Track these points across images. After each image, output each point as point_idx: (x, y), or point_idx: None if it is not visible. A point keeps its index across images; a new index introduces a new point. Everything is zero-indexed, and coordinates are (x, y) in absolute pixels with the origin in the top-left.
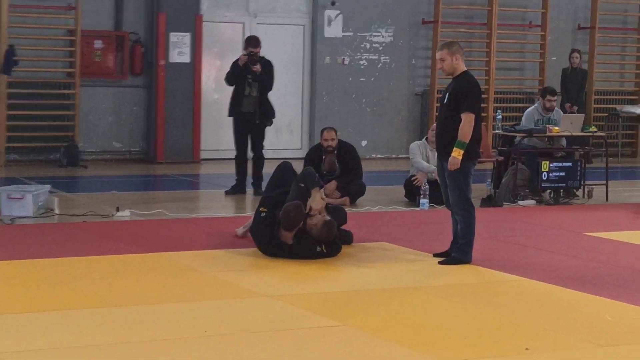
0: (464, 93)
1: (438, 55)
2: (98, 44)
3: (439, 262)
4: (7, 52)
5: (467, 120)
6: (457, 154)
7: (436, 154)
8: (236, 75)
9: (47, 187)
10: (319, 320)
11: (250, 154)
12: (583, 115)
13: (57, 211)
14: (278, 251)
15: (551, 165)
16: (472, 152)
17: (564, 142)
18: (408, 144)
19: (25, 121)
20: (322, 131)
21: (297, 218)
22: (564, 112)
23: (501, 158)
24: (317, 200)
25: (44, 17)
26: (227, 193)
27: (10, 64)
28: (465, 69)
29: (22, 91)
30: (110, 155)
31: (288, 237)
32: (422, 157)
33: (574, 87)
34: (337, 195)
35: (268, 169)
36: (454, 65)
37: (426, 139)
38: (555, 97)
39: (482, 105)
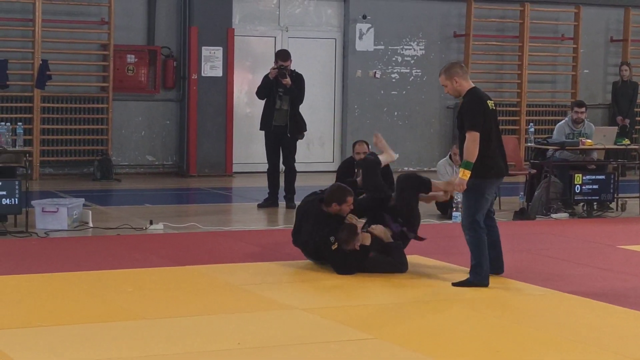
0: (465, 112)
1: (440, 81)
2: (131, 58)
3: (453, 284)
4: (40, 66)
5: (470, 140)
6: (462, 174)
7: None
8: (267, 89)
9: (81, 200)
10: (351, 332)
11: (282, 167)
12: (616, 128)
13: (91, 224)
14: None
15: (584, 178)
16: (484, 170)
17: (594, 155)
18: (439, 157)
19: (59, 135)
20: (354, 144)
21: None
22: (616, 125)
23: (534, 171)
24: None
25: (77, 31)
26: (259, 206)
27: (44, 78)
28: (470, 86)
29: (55, 105)
30: (143, 169)
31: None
32: (448, 174)
33: (624, 100)
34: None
35: (300, 182)
36: (456, 87)
37: (450, 156)
38: (584, 109)
39: (515, 118)
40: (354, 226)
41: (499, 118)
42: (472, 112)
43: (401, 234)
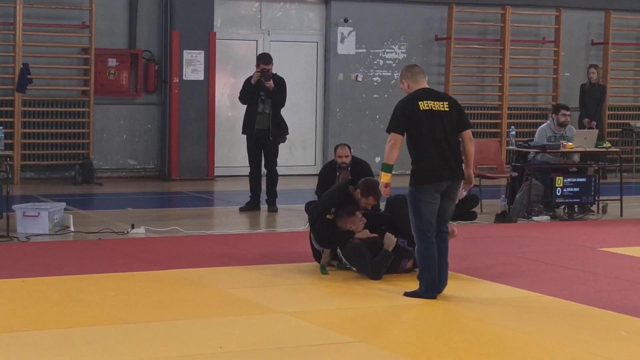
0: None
1: None
2: (112, 62)
3: (404, 293)
4: (21, 70)
5: (388, 141)
6: (381, 177)
7: None
8: (249, 93)
9: (63, 204)
10: (334, 336)
11: (264, 170)
12: (597, 130)
13: (72, 228)
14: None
15: (565, 181)
16: (414, 177)
17: (576, 158)
18: None
19: (40, 139)
20: (335, 148)
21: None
22: (583, 127)
23: (515, 174)
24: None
25: (58, 35)
26: (241, 210)
27: (25, 82)
28: (416, 88)
29: (37, 109)
30: (124, 173)
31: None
32: None
33: (592, 103)
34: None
35: (282, 186)
36: (405, 89)
37: None
38: (569, 112)
39: (496, 121)
40: (355, 208)
41: (480, 121)
42: (393, 113)
43: (401, 249)
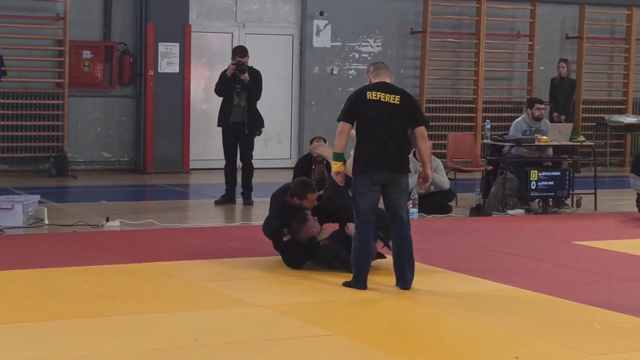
0: None
1: None
2: (86, 54)
3: (343, 283)
4: None
5: (337, 130)
6: (333, 166)
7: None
8: (225, 85)
9: (37, 197)
10: (310, 329)
11: (239, 163)
12: (571, 124)
13: (46, 221)
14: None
15: (540, 174)
16: (354, 166)
17: (550, 152)
18: None
19: (14, 131)
20: (311, 141)
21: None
22: (552, 121)
23: (490, 167)
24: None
25: (32, 27)
26: (216, 203)
27: None
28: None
29: (10, 101)
30: (99, 166)
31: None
32: (411, 171)
33: (562, 97)
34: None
35: (257, 179)
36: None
37: (413, 152)
38: (544, 106)
39: (471, 115)
40: (303, 214)
41: (455, 114)
42: (345, 103)
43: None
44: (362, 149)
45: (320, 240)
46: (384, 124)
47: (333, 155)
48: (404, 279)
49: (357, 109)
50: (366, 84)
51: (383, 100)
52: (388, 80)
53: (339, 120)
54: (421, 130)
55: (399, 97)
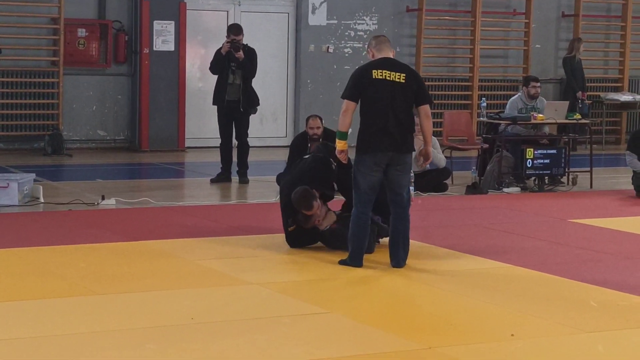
0: None
1: None
2: (82, 32)
3: (339, 262)
4: None
5: (341, 108)
6: (337, 144)
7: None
8: (219, 63)
9: (32, 175)
10: (305, 307)
11: (235, 142)
12: (567, 102)
13: (42, 200)
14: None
15: (535, 152)
16: (359, 146)
17: (546, 130)
18: None
19: (9, 110)
20: (307, 119)
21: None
22: (576, 100)
23: (486, 145)
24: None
25: (27, 5)
26: (212, 181)
27: None
28: (379, 57)
29: (5, 80)
30: (94, 144)
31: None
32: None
33: (580, 75)
34: None
35: (253, 157)
36: (370, 58)
37: None
38: (539, 84)
39: (467, 93)
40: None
41: (451, 92)
42: (349, 81)
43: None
44: (366, 128)
45: (326, 226)
46: (388, 103)
47: (337, 134)
48: (397, 258)
49: (362, 87)
50: (369, 59)
51: (389, 79)
52: (391, 55)
53: (343, 98)
54: (425, 109)
55: (404, 75)
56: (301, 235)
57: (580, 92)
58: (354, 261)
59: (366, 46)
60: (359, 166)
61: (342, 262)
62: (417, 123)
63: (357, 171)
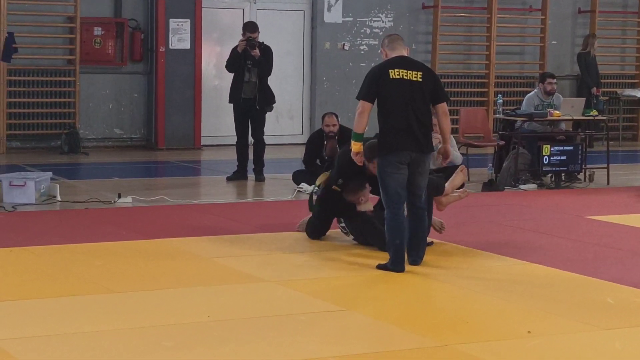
0: None
1: None
2: (98, 30)
3: (377, 266)
4: (6, 39)
5: (357, 109)
6: (352, 146)
7: None
8: (235, 61)
9: (49, 174)
10: (321, 305)
11: (251, 139)
12: (584, 99)
13: (58, 198)
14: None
15: (552, 149)
16: (380, 147)
17: (563, 126)
18: None
19: (26, 109)
20: (323, 116)
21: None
22: (584, 96)
23: (502, 142)
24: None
25: (43, 4)
26: (228, 179)
27: (10, 51)
28: (393, 56)
29: (22, 78)
30: (111, 142)
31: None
32: None
33: (594, 72)
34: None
35: (269, 155)
36: (385, 58)
37: None
38: (555, 80)
39: (483, 89)
40: (364, 182)
41: (467, 89)
42: (364, 81)
43: None
44: (386, 129)
45: (361, 210)
46: (407, 102)
47: (353, 136)
48: (415, 256)
49: (378, 87)
50: (383, 58)
51: (405, 77)
52: (405, 53)
53: (358, 99)
54: (443, 107)
55: (421, 73)
56: (333, 203)
57: (594, 88)
58: (396, 266)
59: (380, 46)
60: (384, 167)
61: (381, 267)
62: (434, 122)
63: (383, 173)
